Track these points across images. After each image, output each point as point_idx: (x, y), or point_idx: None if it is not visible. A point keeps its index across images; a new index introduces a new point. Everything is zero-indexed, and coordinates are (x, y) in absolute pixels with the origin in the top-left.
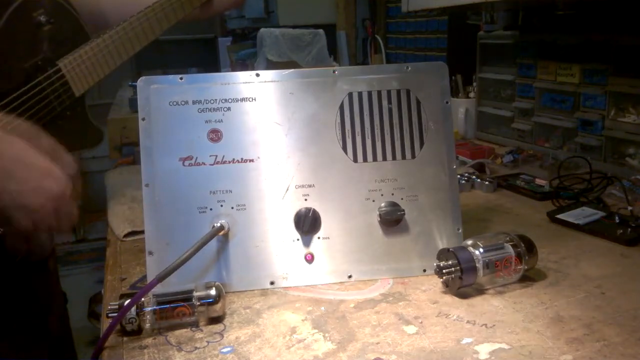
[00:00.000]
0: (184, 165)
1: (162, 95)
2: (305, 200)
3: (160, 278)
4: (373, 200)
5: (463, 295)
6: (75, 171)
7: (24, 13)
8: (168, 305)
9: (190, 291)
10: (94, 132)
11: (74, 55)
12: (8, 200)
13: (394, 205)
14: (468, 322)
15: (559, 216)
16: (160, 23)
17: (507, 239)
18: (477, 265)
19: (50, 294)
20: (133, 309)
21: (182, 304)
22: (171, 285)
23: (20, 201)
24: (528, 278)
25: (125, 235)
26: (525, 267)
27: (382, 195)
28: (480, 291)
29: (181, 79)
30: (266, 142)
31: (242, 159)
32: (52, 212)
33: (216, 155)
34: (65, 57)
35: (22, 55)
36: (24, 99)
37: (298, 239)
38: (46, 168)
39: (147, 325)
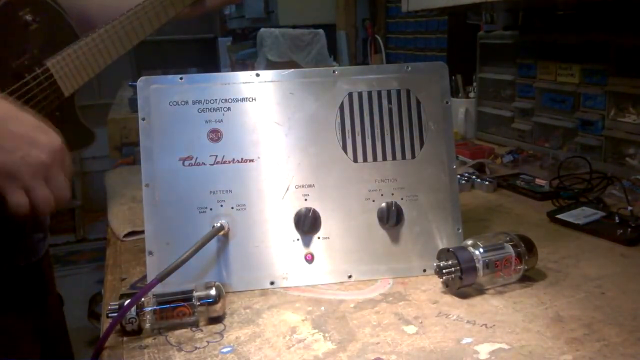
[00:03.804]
0: (184, 165)
1: (162, 95)
2: (305, 200)
3: (161, 278)
4: (373, 200)
5: (463, 295)
6: (62, 144)
7: (9, 12)
8: (168, 305)
9: (190, 291)
10: (85, 133)
11: (63, 55)
12: None
13: (394, 209)
14: (468, 322)
15: (558, 216)
16: (151, 22)
17: (507, 238)
18: (477, 265)
19: (45, 296)
20: (133, 308)
21: (182, 304)
22: (171, 285)
23: (8, 170)
24: (528, 278)
25: (126, 235)
26: (525, 267)
27: (382, 195)
28: (480, 291)
29: (181, 79)
30: (266, 142)
31: (242, 159)
32: (43, 181)
33: (216, 155)
34: (54, 56)
35: (8, 55)
36: (13, 98)
37: (298, 239)
38: (32, 136)
39: (147, 325)
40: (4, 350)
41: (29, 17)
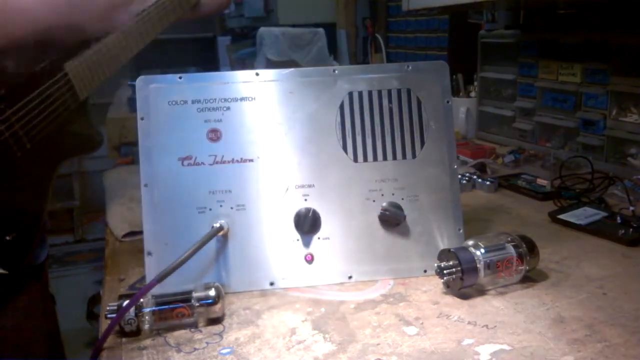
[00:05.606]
0: (183, 165)
1: (161, 94)
2: (305, 200)
3: (159, 279)
4: (373, 201)
5: (464, 296)
6: None
7: None
8: (167, 306)
9: (190, 292)
10: (95, 136)
11: (79, 59)
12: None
13: (396, 207)
14: (469, 323)
15: (560, 216)
16: (155, 27)
17: (509, 239)
18: (478, 265)
19: (45, 298)
20: (132, 309)
21: (181, 304)
22: (170, 286)
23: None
24: (529, 279)
25: (124, 236)
26: (526, 267)
27: (382, 195)
28: (482, 292)
29: (180, 78)
30: (266, 141)
31: (241, 158)
32: None
33: (215, 155)
34: (71, 60)
35: (31, 59)
36: (35, 103)
37: (298, 240)
38: None
39: (146, 326)
40: (10, 351)
41: None
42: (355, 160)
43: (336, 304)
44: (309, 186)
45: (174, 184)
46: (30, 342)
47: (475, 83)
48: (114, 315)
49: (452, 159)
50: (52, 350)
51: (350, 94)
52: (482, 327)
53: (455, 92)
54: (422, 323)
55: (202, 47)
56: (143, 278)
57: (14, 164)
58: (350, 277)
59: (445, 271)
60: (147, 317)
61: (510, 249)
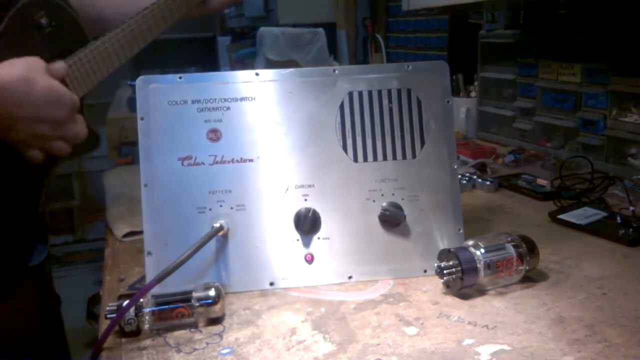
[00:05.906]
0: (183, 165)
1: (161, 94)
2: (305, 200)
3: (159, 279)
4: (373, 201)
5: (464, 296)
6: (68, 102)
7: (25, 15)
8: (167, 306)
9: (189, 292)
10: (92, 137)
11: (74, 59)
12: (18, 128)
13: (396, 207)
14: (469, 323)
15: (560, 216)
16: (158, 24)
17: (509, 239)
18: (478, 265)
19: (45, 298)
20: (132, 309)
21: (181, 305)
22: (170, 286)
23: (20, 142)
24: (529, 279)
25: (124, 236)
26: (526, 267)
27: (382, 195)
28: (482, 292)
29: (180, 78)
30: (266, 141)
31: (241, 158)
32: (57, 140)
33: (215, 155)
34: (66, 60)
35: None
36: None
37: (298, 240)
38: (38, 115)
39: (146, 327)
40: (8, 351)
41: (44, 21)
42: (355, 160)
43: (336, 304)
44: (309, 186)
45: (174, 184)
46: (28, 342)
47: (476, 83)
48: (113, 315)
49: (452, 159)
50: (54, 351)
51: (350, 94)
52: (482, 327)
53: (455, 92)
54: (422, 323)
55: (202, 47)
56: (143, 278)
57: (6, 163)
58: (350, 277)
59: (445, 271)
60: (147, 317)
61: (510, 249)
